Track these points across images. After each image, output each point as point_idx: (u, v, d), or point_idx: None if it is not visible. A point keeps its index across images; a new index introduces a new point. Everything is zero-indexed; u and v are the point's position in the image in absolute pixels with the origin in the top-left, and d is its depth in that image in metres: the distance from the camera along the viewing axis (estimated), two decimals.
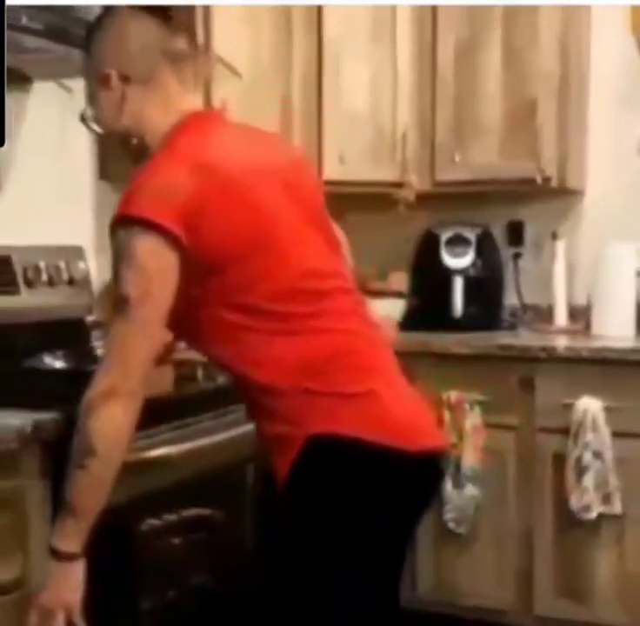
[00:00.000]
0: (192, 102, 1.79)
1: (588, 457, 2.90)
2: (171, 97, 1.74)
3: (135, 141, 1.76)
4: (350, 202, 3.65)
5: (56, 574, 1.58)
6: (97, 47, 1.76)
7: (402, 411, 1.68)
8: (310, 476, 1.63)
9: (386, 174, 3.42)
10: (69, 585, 1.59)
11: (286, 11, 3.18)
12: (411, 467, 1.65)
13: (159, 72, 1.73)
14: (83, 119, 1.83)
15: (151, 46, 1.73)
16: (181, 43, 1.77)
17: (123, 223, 1.56)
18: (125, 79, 1.72)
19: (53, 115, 2.64)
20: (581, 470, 2.91)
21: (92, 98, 1.78)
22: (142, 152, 1.73)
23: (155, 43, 1.73)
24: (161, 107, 1.73)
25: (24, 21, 2.01)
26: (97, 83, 1.74)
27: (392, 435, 1.62)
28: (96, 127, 1.81)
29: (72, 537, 1.57)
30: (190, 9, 2.68)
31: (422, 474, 1.70)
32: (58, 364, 2.18)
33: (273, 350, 1.63)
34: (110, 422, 1.54)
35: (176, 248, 1.55)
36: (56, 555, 1.57)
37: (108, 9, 1.81)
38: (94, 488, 1.56)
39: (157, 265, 1.56)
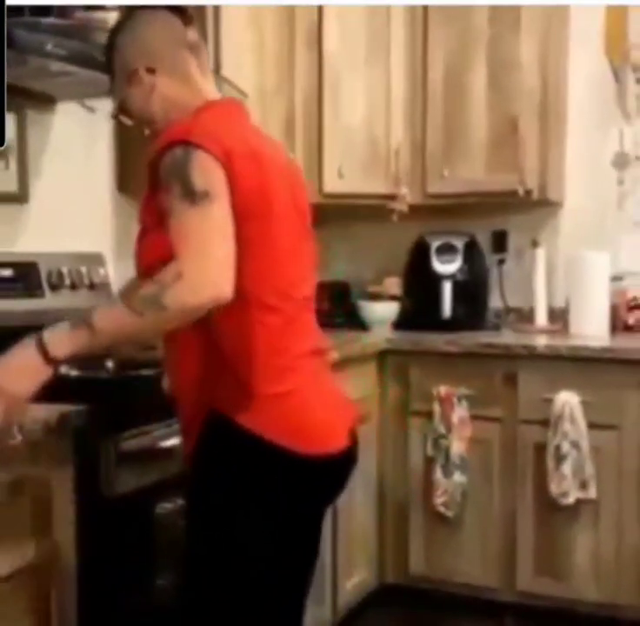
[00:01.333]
0: (212, 88, 1.75)
1: (566, 447, 2.90)
2: (195, 82, 1.72)
3: (147, 132, 1.73)
4: (349, 213, 3.67)
5: (29, 364, 1.48)
6: (123, 47, 1.72)
7: (319, 414, 1.62)
8: (208, 458, 1.58)
9: (381, 187, 3.42)
10: (29, 378, 1.48)
11: (290, 32, 3.18)
12: (309, 471, 1.58)
13: (182, 60, 1.71)
14: (114, 116, 1.81)
15: (173, 38, 1.71)
16: (195, 34, 1.74)
17: (179, 144, 1.50)
18: (152, 71, 1.69)
19: (76, 132, 2.64)
20: (559, 459, 2.92)
21: (121, 94, 1.74)
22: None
23: (175, 34, 1.71)
24: (187, 91, 1.70)
25: (49, 47, 2.01)
26: (127, 79, 1.71)
27: (297, 438, 1.55)
28: (126, 120, 1.77)
29: (70, 347, 1.47)
30: (202, 33, 2.68)
31: (319, 476, 1.62)
32: (78, 372, 2.15)
33: (242, 328, 1.56)
34: (182, 298, 1.42)
35: (227, 179, 1.51)
36: (44, 353, 1.47)
37: (126, 12, 1.77)
38: (131, 331, 1.50)
39: (221, 180, 1.50)
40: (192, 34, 1.73)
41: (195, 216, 1.46)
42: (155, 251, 1.51)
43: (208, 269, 1.42)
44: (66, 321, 1.49)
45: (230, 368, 1.56)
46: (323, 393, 1.67)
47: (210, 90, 1.74)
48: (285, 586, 1.68)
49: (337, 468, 1.68)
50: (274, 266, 1.61)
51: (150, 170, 1.54)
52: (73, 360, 1.54)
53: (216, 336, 1.56)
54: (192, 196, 1.46)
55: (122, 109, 1.77)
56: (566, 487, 2.92)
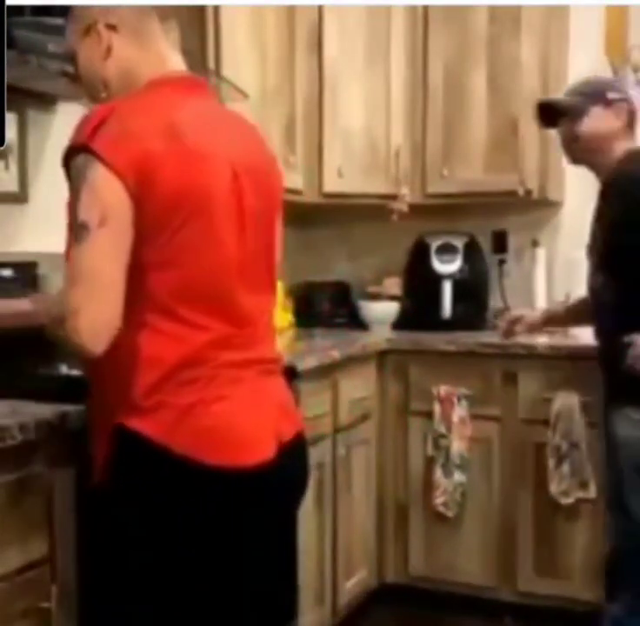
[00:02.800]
0: (179, 63, 1.61)
1: (565, 447, 2.90)
2: (160, 55, 1.57)
3: (104, 95, 1.58)
4: (349, 213, 3.66)
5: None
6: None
7: (237, 424, 1.49)
8: (118, 476, 1.49)
9: (381, 187, 3.42)
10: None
11: (290, 34, 3.19)
12: (227, 484, 1.46)
13: (149, 27, 1.56)
14: (65, 74, 1.70)
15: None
16: (167, 8, 1.62)
17: (82, 150, 1.41)
18: (112, 28, 1.54)
19: None
20: (559, 459, 2.92)
21: (75, 50, 1.60)
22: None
23: None
24: (147, 61, 1.56)
25: (50, 47, 2.01)
26: (83, 33, 1.57)
27: (208, 449, 1.44)
28: (77, 81, 1.64)
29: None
30: (202, 34, 2.68)
31: (241, 490, 1.48)
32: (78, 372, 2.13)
33: (157, 342, 1.46)
34: (66, 341, 1.40)
35: (128, 193, 1.40)
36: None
37: None
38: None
39: (114, 198, 1.39)
40: (164, 6, 1.61)
41: (73, 255, 1.41)
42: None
43: (77, 327, 1.37)
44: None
45: (129, 384, 1.46)
46: (248, 403, 1.52)
47: (175, 62, 1.59)
48: (242, 611, 1.55)
49: (264, 480, 1.51)
50: (206, 280, 1.48)
51: (64, 169, 1.49)
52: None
53: (127, 346, 1.45)
54: (75, 229, 1.42)
55: (74, 67, 1.63)
56: (566, 486, 2.91)
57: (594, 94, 2.44)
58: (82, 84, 1.64)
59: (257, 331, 1.58)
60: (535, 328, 2.84)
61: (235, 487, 1.47)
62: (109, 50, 1.55)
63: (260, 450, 1.51)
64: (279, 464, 1.53)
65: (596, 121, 2.42)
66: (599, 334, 2.49)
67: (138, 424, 1.45)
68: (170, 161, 1.42)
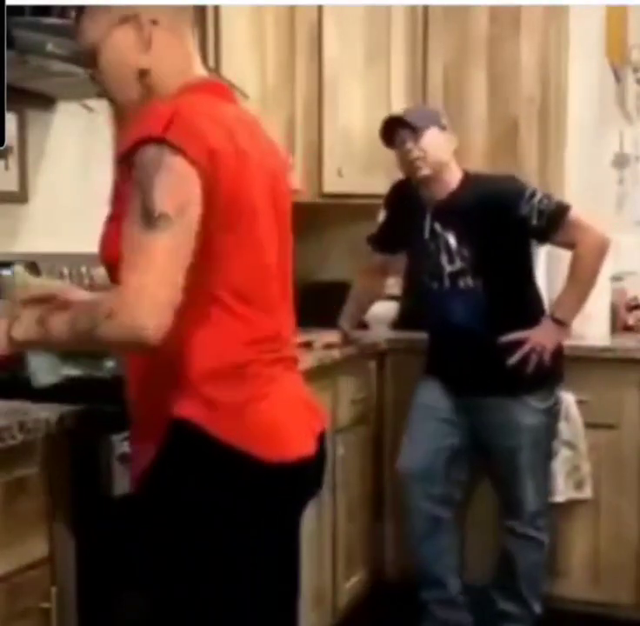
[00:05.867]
0: (202, 67, 1.65)
1: (556, 445, 2.88)
2: (189, 56, 1.61)
3: (132, 91, 1.58)
4: (349, 213, 3.66)
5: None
6: None
7: (286, 421, 1.55)
8: (175, 468, 1.50)
9: (381, 187, 3.41)
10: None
11: (290, 34, 3.19)
12: (280, 478, 1.51)
13: (183, 29, 1.60)
14: (87, 67, 1.64)
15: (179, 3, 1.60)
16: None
17: (155, 141, 1.38)
18: (154, 22, 1.54)
19: (76, 132, 2.64)
20: (555, 458, 2.91)
21: (96, 44, 1.56)
22: (131, 102, 1.58)
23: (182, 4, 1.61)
24: (182, 58, 1.59)
25: (50, 47, 2.01)
26: (117, 22, 1.54)
27: (267, 445, 1.49)
28: (95, 79, 1.61)
29: (24, 335, 1.49)
30: (202, 34, 2.68)
31: (289, 483, 1.54)
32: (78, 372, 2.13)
33: (209, 339, 1.48)
34: (110, 337, 1.36)
35: (202, 188, 1.40)
36: (8, 329, 1.51)
37: None
38: (76, 345, 1.50)
39: (192, 190, 1.39)
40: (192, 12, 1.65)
41: (144, 242, 1.34)
42: (117, 243, 1.40)
43: (141, 311, 1.32)
44: (40, 309, 1.50)
45: (188, 377, 1.48)
46: (288, 400, 1.59)
47: (200, 66, 1.64)
48: (261, 608, 1.58)
49: (305, 474, 1.59)
50: (251, 280, 1.53)
51: (122, 162, 1.43)
52: (29, 346, 1.58)
53: (179, 345, 1.45)
54: (148, 217, 1.34)
55: (88, 64, 1.61)
56: (562, 486, 2.90)
57: (432, 117, 2.74)
58: (103, 81, 1.61)
59: (287, 331, 1.63)
60: (333, 345, 2.91)
61: (283, 481, 1.53)
62: (149, 43, 1.55)
63: (304, 445, 1.58)
64: (316, 458, 1.61)
65: (435, 139, 2.67)
66: (467, 332, 2.71)
67: (195, 417, 1.47)
68: (229, 162, 1.45)
